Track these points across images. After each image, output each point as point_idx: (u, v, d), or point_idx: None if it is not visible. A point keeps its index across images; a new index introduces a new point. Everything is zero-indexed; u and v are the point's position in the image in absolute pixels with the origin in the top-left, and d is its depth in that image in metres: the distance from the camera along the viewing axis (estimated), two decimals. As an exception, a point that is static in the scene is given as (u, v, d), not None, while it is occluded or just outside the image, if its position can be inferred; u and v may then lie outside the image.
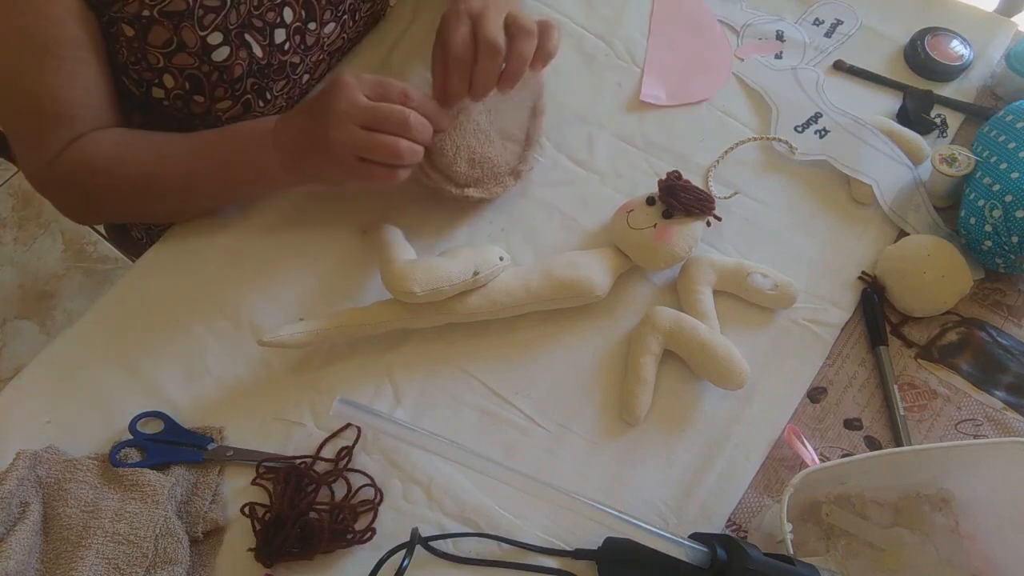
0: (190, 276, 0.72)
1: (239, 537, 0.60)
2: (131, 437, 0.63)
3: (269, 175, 0.67)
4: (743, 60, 0.86)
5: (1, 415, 0.65)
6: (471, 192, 0.72)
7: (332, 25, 0.79)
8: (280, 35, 0.73)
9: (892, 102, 0.83)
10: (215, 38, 0.68)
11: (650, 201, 0.69)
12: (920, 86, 0.84)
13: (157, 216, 0.81)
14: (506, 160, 0.74)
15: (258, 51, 0.72)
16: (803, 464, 0.62)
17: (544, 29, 0.67)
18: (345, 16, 0.80)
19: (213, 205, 0.74)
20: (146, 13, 0.64)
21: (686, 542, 0.52)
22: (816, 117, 0.81)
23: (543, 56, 0.67)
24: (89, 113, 0.69)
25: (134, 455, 0.62)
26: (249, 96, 0.74)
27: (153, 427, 0.64)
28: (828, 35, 0.88)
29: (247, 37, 0.71)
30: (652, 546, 0.51)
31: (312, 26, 0.76)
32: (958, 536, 0.60)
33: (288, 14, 0.73)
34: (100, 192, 0.71)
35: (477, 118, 0.72)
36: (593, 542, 0.59)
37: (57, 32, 0.63)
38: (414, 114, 0.62)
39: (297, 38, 0.76)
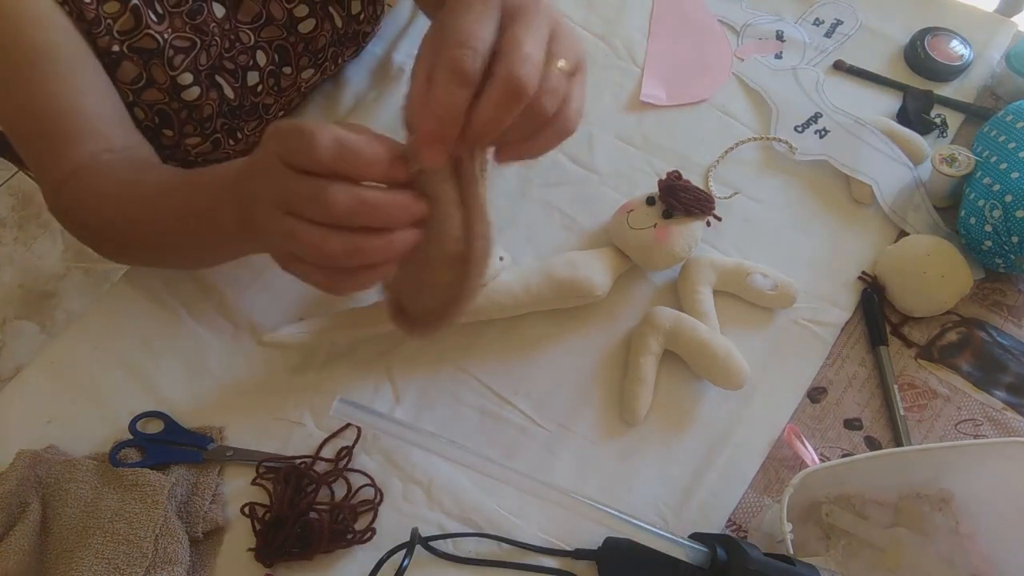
0: (190, 276, 0.72)
1: (239, 537, 0.60)
2: (131, 437, 0.63)
3: (227, 234, 0.53)
4: (743, 60, 0.86)
5: (1, 415, 0.65)
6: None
7: (311, 71, 0.77)
8: (253, 77, 0.72)
9: (892, 102, 0.83)
10: (185, 78, 0.67)
11: (650, 201, 0.69)
12: (920, 86, 0.84)
13: (148, 264, 0.72)
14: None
15: (229, 92, 0.71)
16: (803, 464, 0.62)
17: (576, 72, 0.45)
18: (327, 63, 0.78)
19: (193, 264, 0.69)
20: (115, 48, 0.63)
21: (686, 542, 0.52)
22: (816, 117, 0.81)
23: (560, 127, 0.44)
24: (96, 125, 0.63)
25: (134, 455, 0.62)
26: (219, 135, 0.73)
27: (153, 427, 0.64)
28: (828, 35, 0.88)
29: (218, 79, 0.70)
30: (652, 546, 0.51)
31: (287, 70, 0.75)
32: (958, 536, 0.60)
33: (261, 58, 0.72)
34: (94, 235, 0.65)
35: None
36: (593, 542, 0.59)
37: (50, 37, 0.60)
38: (347, 189, 0.40)
39: (271, 81, 0.74)
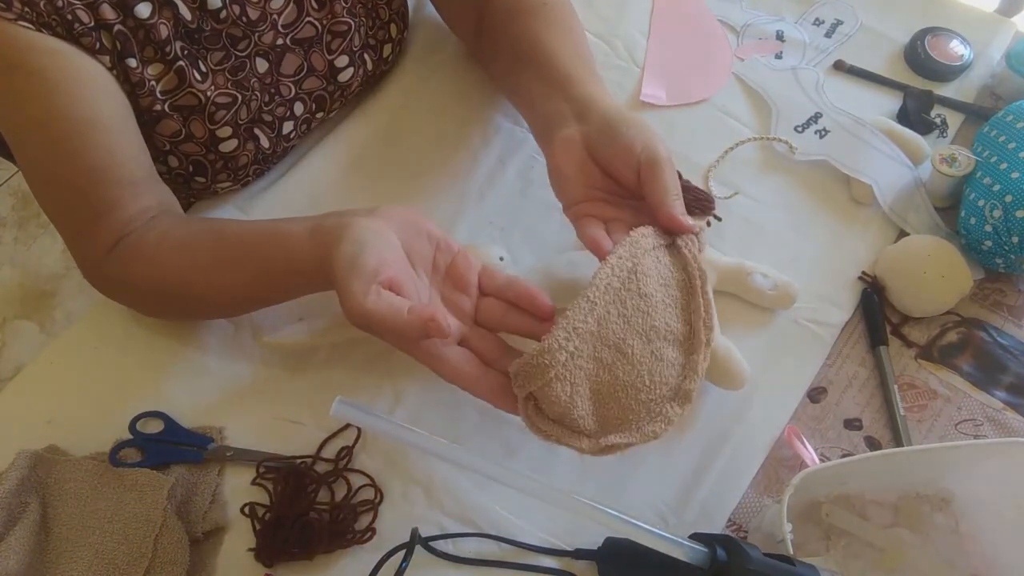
0: (190, 276, 0.72)
1: (239, 537, 0.60)
2: (131, 437, 0.63)
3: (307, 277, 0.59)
4: (743, 60, 0.86)
5: (1, 415, 0.65)
6: (614, 440, 0.52)
7: (338, 111, 0.79)
8: (288, 127, 0.73)
9: (892, 102, 0.83)
10: (224, 132, 0.67)
11: (650, 201, 0.69)
12: (920, 86, 0.84)
13: (190, 318, 0.70)
14: (661, 378, 0.52)
15: (265, 143, 0.72)
16: (803, 464, 0.62)
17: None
18: (352, 102, 0.79)
19: (244, 311, 0.68)
20: (157, 107, 0.63)
21: (686, 542, 0.52)
22: (816, 117, 0.81)
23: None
24: (135, 190, 0.62)
25: (134, 455, 0.62)
26: (250, 178, 0.75)
27: (153, 427, 0.64)
28: (828, 35, 0.88)
29: (256, 131, 0.70)
30: (652, 546, 0.51)
31: (320, 115, 0.76)
32: (958, 536, 0.60)
33: (298, 108, 0.73)
34: (142, 300, 0.66)
35: (600, 323, 0.50)
36: (593, 542, 0.59)
37: (99, 104, 0.58)
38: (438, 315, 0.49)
39: (304, 127, 0.76)
